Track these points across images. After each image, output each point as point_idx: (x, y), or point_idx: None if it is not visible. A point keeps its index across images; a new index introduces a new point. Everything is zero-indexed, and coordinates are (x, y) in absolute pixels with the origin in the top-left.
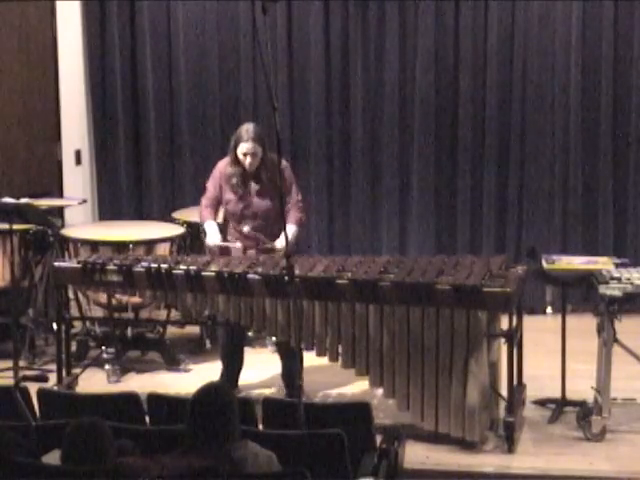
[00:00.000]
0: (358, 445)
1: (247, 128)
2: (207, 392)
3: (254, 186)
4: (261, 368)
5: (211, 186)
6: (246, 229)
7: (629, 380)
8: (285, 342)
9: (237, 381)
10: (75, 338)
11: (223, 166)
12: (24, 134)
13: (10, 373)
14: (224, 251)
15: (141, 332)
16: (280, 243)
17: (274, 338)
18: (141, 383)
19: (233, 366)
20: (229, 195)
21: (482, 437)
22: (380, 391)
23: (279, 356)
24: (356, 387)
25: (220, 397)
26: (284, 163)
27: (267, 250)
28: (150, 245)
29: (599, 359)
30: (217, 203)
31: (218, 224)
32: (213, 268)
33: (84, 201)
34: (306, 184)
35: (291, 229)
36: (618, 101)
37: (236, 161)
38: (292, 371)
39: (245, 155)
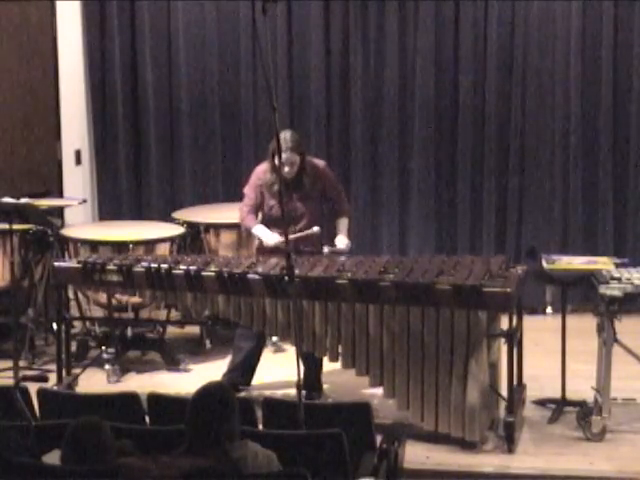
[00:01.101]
0: (358, 445)
1: (284, 137)
2: (207, 392)
3: (296, 191)
4: (261, 368)
5: (251, 192)
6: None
7: (629, 380)
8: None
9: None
10: (75, 338)
11: (262, 172)
12: (24, 134)
13: (10, 373)
14: (277, 249)
15: (141, 332)
16: (341, 242)
17: (274, 338)
18: (141, 383)
19: (253, 363)
20: (271, 201)
21: (482, 437)
22: (380, 391)
23: (302, 360)
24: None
25: (220, 397)
26: (321, 163)
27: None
28: (150, 245)
29: (599, 359)
30: (257, 208)
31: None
32: (213, 268)
33: (84, 201)
34: None
35: (344, 222)
36: (618, 101)
37: (276, 168)
38: (313, 374)
39: (283, 164)
